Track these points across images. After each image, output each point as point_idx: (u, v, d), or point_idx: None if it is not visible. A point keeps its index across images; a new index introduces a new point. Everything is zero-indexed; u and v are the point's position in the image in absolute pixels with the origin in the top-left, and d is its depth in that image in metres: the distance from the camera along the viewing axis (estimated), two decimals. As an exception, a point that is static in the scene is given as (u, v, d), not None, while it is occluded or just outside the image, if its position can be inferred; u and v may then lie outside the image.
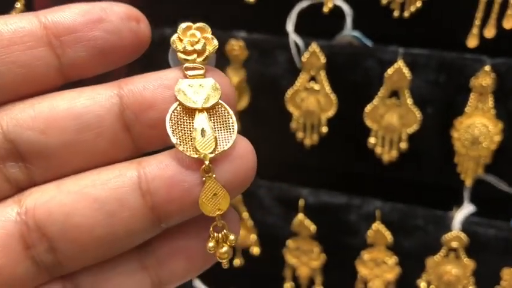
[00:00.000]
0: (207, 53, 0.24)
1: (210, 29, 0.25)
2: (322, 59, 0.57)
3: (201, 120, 0.23)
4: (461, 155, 0.57)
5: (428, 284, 0.62)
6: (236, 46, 0.60)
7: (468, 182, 0.58)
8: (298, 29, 0.59)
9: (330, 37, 0.59)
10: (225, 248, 0.24)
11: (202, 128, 0.23)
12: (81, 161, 0.23)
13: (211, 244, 0.24)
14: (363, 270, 0.64)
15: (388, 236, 0.61)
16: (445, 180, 0.60)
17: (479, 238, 0.58)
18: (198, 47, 0.24)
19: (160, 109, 0.23)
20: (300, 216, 0.64)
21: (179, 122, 0.23)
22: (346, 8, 0.57)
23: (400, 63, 0.55)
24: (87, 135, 0.23)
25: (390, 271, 0.63)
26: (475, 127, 0.55)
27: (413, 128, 0.57)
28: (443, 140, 0.57)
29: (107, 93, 0.23)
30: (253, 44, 0.60)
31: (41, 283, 0.24)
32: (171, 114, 0.23)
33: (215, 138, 0.23)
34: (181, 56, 0.24)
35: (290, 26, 0.58)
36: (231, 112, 0.24)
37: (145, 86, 0.23)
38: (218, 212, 0.23)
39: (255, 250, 0.68)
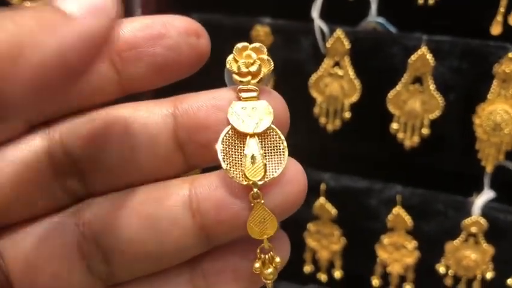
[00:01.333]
0: (261, 75, 0.24)
1: (265, 50, 0.25)
2: (347, 45, 0.58)
3: (252, 146, 0.23)
4: (483, 142, 0.57)
5: (447, 268, 0.62)
6: (261, 32, 0.61)
7: (489, 168, 0.58)
8: (323, 15, 0.59)
9: (355, 23, 0.60)
10: (270, 270, 0.24)
11: (253, 155, 0.23)
12: (136, 176, 0.24)
13: (257, 265, 0.24)
14: (382, 254, 0.65)
15: (408, 220, 0.62)
16: (466, 166, 0.60)
17: (499, 224, 0.59)
18: (253, 68, 0.24)
19: (213, 130, 0.23)
20: (321, 199, 0.65)
21: (230, 146, 0.23)
22: (371, -5, 0.58)
23: (423, 50, 0.56)
24: (143, 153, 0.23)
25: (409, 255, 0.64)
26: (497, 114, 0.55)
27: (435, 114, 0.58)
28: (465, 126, 0.58)
29: (162, 111, 0.24)
30: (278, 30, 0.61)
31: None
32: (223, 138, 0.23)
33: (264, 165, 0.23)
34: (236, 77, 0.24)
35: (315, 12, 0.59)
36: (283, 137, 0.24)
37: (200, 106, 0.24)
38: (265, 236, 0.23)
39: (276, 233, 0.69)
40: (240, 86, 0.24)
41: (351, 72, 0.59)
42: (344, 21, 0.59)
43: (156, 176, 0.24)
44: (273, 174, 0.23)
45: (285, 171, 0.23)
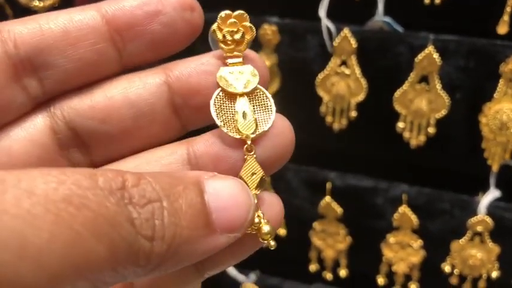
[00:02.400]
0: (245, 42, 0.26)
1: (248, 17, 0.26)
2: (354, 44, 0.59)
3: (242, 104, 0.25)
4: (489, 141, 0.58)
5: (453, 267, 0.63)
6: (269, 30, 0.62)
7: (495, 168, 0.58)
8: (330, 15, 0.60)
9: (362, 23, 0.60)
10: (267, 228, 0.24)
11: (244, 111, 0.25)
12: (137, 144, 0.25)
13: (257, 220, 0.24)
14: (388, 253, 0.65)
15: (414, 219, 0.62)
16: (472, 165, 0.61)
17: (505, 223, 0.59)
18: (237, 36, 0.25)
19: (205, 94, 0.25)
20: (327, 198, 0.65)
21: (222, 106, 0.25)
22: (378, -6, 0.58)
23: (430, 49, 0.56)
24: (142, 122, 0.25)
25: (415, 254, 0.64)
26: (504, 113, 0.56)
27: (441, 113, 0.58)
28: (471, 125, 0.58)
29: (155, 81, 0.25)
30: (285, 29, 0.62)
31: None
32: (215, 99, 0.25)
33: (255, 120, 0.24)
34: (222, 45, 0.25)
35: (322, 11, 0.60)
36: (269, 95, 0.25)
37: (190, 73, 0.25)
38: (255, 191, 0.24)
39: (282, 232, 0.69)
40: (227, 53, 0.25)
41: (358, 71, 0.60)
42: (351, 21, 0.60)
43: (155, 141, 0.26)
44: (263, 128, 0.24)
45: (274, 126, 0.25)
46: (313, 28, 0.60)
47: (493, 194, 0.60)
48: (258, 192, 0.24)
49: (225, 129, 0.24)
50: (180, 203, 0.20)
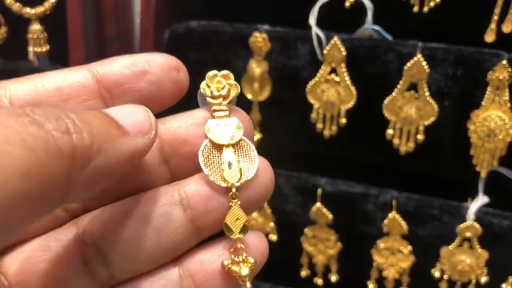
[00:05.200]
0: (231, 97, 0.28)
1: (232, 76, 0.28)
2: (343, 52, 0.59)
3: (228, 154, 0.27)
4: (477, 147, 0.58)
5: (442, 273, 0.63)
6: (260, 38, 0.62)
7: (483, 174, 0.59)
8: (320, 23, 0.60)
9: (351, 31, 0.61)
10: (246, 271, 0.26)
11: (229, 161, 0.27)
12: (129, 190, 0.27)
13: (226, 262, 0.26)
14: (378, 259, 0.66)
15: (404, 225, 0.63)
16: (460, 171, 0.61)
17: (493, 229, 0.60)
18: (223, 92, 0.28)
19: (193, 144, 0.27)
20: (318, 204, 0.65)
21: (210, 156, 0.27)
22: (368, 3, 0.59)
23: (419, 57, 0.57)
24: (134, 171, 0.26)
25: (405, 260, 0.64)
26: (492, 120, 0.56)
27: (430, 120, 0.59)
28: (459, 132, 0.59)
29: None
30: (276, 37, 0.62)
31: None
32: (203, 150, 0.27)
33: (240, 169, 0.27)
34: (210, 100, 0.28)
35: (312, 19, 0.60)
36: (253, 146, 0.27)
37: (180, 125, 0.27)
38: (238, 236, 0.26)
39: (273, 237, 0.70)
40: (214, 107, 0.27)
41: (347, 79, 0.60)
42: (341, 29, 0.60)
43: (145, 188, 0.27)
44: (247, 177, 0.27)
45: (257, 174, 0.27)
46: (303, 36, 0.61)
47: (481, 200, 0.60)
48: (242, 236, 0.26)
49: (212, 178, 0.26)
50: (86, 115, 0.21)
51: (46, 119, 0.19)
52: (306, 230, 0.68)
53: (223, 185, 0.26)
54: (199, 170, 0.26)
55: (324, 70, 0.61)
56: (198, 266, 0.27)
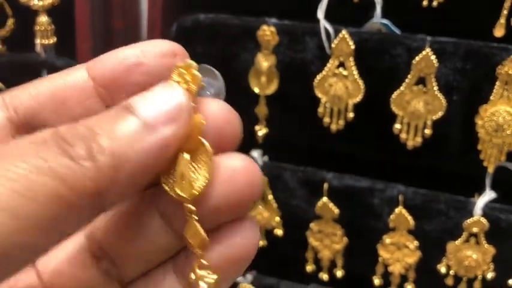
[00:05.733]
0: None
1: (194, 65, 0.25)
2: (352, 45, 0.59)
3: (182, 164, 0.24)
4: (485, 142, 0.58)
5: (448, 268, 0.63)
6: (268, 31, 0.62)
7: (490, 169, 0.59)
8: (328, 16, 0.60)
9: (360, 25, 0.61)
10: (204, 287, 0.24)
11: (182, 173, 0.24)
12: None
13: (193, 277, 0.25)
14: (384, 254, 0.65)
15: (410, 220, 0.63)
16: (468, 166, 0.61)
17: (500, 224, 0.60)
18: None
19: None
20: (324, 199, 0.65)
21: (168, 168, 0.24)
22: (376, -4, 0.59)
23: (427, 51, 0.57)
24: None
25: (411, 255, 0.64)
26: (500, 115, 0.56)
27: (438, 115, 0.59)
28: (467, 127, 0.59)
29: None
30: (284, 30, 0.62)
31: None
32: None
33: (192, 180, 0.24)
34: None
35: (321, 13, 0.60)
36: (209, 150, 0.24)
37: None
38: (198, 250, 0.24)
39: (279, 232, 0.70)
40: None
41: (355, 73, 0.60)
42: (349, 22, 0.60)
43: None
44: (200, 188, 0.24)
45: (216, 183, 0.24)
46: (311, 29, 0.61)
47: (488, 195, 0.60)
48: (201, 251, 0.24)
49: (169, 193, 0.24)
50: (107, 125, 0.22)
51: (72, 145, 0.20)
52: (312, 225, 0.67)
53: (177, 198, 0.24)
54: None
55: (331, 64, 0.61)
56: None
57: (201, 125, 0.24)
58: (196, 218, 0.24)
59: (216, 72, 0.26)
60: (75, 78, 0.25)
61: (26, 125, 0.25)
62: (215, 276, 0.24)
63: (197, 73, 0.24)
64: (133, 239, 0.26)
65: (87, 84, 0.25)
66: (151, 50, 0.25)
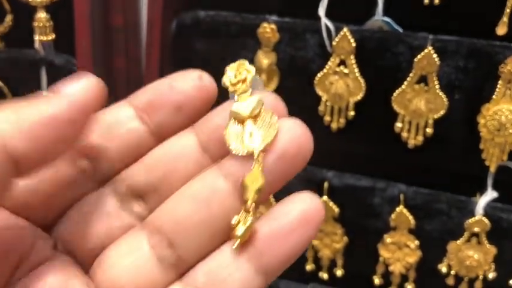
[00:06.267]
0: (248, 79, 0.30)
1: (247, 62, 0.31)
2: (353, 43, 0.59)
3: (249, 125, 0.29)
4: (487, 141, 0.58)
5: (449, 268, 0.63)
6: (268, 29, 0.61)
7: (492, 168, 0.58)
8: (329, 14, 0.60)
9: (361, 22, 0.60)
10: (241, 232, 0.28)
11: (251, 131, 0.28)
12: (180, 183, 0.29)
13: (233, 221, 0.28)
14: (384, 254, 0.65)
15: (411, 219, 0.62)
16: (469, 166, 0.61)
17: (502, 224, 0.59)
18: (241, 76, 0.30)
19: (223, 127, 0.29)
20: (324, 198, 0.65)
21: (234, 132, 0.29)
22: (378, -6, 0.58)
23: (429, 49, 0.56)
24: (181, 165, 0.29)
25: (412, 255, 0.64)
26: (502, 114, 0.56)
27: (440, 114, 0.58)
28: (469, 126, 0.58)
29: (184, 132, 0.30)
30: (284, 28, 0.62)
31: (173, 278, 0.29)
32: (228, 128, 0.29)
33: (261, 136, 0.28)
34: (231, 88, 0.30)
35: (322, 10, 0.60)
36: (274, 115, 0.29)
37: (211, 116, 0.30)
38: (251, 199, 0.28)
39: (279, 231, 0.69)
40: (236, 93, 0.30)
41: (357, 71, 0.60)
42: (350, 20, 0.60)
43: (191, 177, 0.30)
44: (267, 142, 0.28)
45: (280, 137, 0.28)
46: (312, 27, 0.60)
47: (490, 195, 0.60)
48: (256, 198, 0.28)
49: (234, 151, 0.28)
50: None
51: None
52: (312, 224, 0.67)
53: (244, 153, 0.28)
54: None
55: (332, 62, 0.60)
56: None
57: (261, 100, 0.29)
58: (261, 164, 0.27)
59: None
60: (119, 109, 0.30)
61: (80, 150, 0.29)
62: (251, 219, 0.28)
63: (250, 66, 0.30)
64: (201, 207, 0.28)
65: (129, 112, 0.30)
66: (179, 78, 0.30)
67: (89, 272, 0.30)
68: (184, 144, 0.30)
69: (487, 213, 0.59)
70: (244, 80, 0.30)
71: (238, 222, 0.28)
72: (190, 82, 0.29)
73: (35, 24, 0.69)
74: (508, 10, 0.54)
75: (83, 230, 0.30)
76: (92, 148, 0.29)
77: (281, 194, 0.66)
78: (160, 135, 0.30)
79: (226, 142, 0.29)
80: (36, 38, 0.69)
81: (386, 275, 0.66)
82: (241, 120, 0.29)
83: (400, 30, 0.59)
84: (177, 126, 0.30)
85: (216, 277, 0.29)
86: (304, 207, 0.28)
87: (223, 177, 0.28)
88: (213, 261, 0.29)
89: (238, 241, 0.28)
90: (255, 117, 0.29)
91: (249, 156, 0.28)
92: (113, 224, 0.30)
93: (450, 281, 0.63)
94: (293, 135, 0.28)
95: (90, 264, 0.30)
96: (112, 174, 0.30)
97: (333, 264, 0.69)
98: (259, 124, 0.29)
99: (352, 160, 0.66)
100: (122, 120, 0.29)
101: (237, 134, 0.29)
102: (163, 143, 0.30)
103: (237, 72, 0.30)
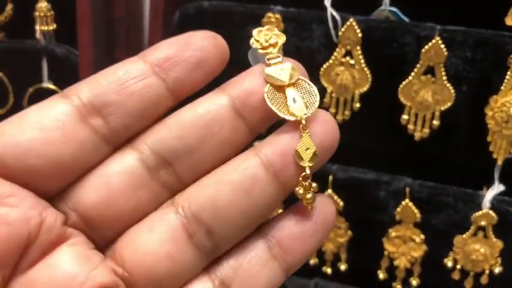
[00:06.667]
0: (279, 44, 0.31)
1: (276, 28, 0.31)
2: (359, 34, 0.58)
3: (291, 92, 0.29)
4: (495, 134, 0.57)
5: (455, 262, 0.62)
6: (273, 19, 0.61)
7: (500, 161, 0.58)
8: (335, 4, 0.59)
9: (368, 12, 0.60)
10: (310, 195, 0.29)
11: (293, 97, 0.29)
12: (214, 152, 0.29)
13: (300, 191, 0.29)
14: (389, 248, 0.64)
15: (417, 213, 0.61)
16: (476, 158, 0.60)
17: (509, 217, 0.59)
18: (272, 41, 0.30)
19: (258, 92, 0.29)
20: (329, 191, 0.64)
21: (274, 97, 0.29)
22: (385, -16, 0.58)
23: (437, 40, 0.55)
24: (214, 129, 0.29)
25: (417, 249, 0.63)
26: (511, 105, 0.55)
27: (447, 105, 0.58)
28: (476, 118, 0.57)
29: (215, 95, 0.30)
30: (289, 18, 0.61)
31: (204, 266, 0.29)
32: (267, 93, 0.29)
33: (305, 103, 0.29)
34: (261, 51, 0.30)
35: (327, 0, 0.59)
36: (311, 83, 0.30)
37: (243, 80, 0.29)
38: (308, 163, 0.28)
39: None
40: (267, 56, 0.30)
41: (363, 62, 0.59)
42: (357, 10, 0.59)
43: (230, 147, 0.29)
44: (313, 109, 0.29)
45: (320, 113, 0.29)
46: (318, 17, 0.60)
47: (497, 188, 0.59)
48: (311, 164, 0.28)
49: (281, 114, 0.28)
50: None
51: None
52: (316, 218, 0.66)
53: (292, 118, 0.28)
54: (270, 115, 0.29)
55: (338, 52, 0.60)
56: (281, 232, 0.30)
57: (295, 68, 0.30)
58: (309, 134, 0.28)
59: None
60: (133, 63, 0.29)
61: (88, 106, 0.28)
62: (315, 184, 0.29)
63: (280, 32, 0.31)
64: (242, 197, 0.28)
65: (143, 67, 0.28)
66: (196, 35, 0.29)
67: (111, 249, 0.29)
68: (217, 108, 0.29)
69: (493, 207, 0.59)
70: (275, 45, 0.30)
71: (305, 189, 0.28)
72: (206, 40, 0.29)
73: (36, 14, 0.68)
74: (517, 0, 0.54)
75: (106, 202, 0.28)
76: (105, 104, 0.28)
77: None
78: (179, 93, 0.29)
79: (270, 106, 0.28)
80: (37, 27, 0.68)
81: (391, 270, 0.65)
82: (279, 87, 0.29)
83: (407, 20, 0.59)
84: (195, 84, 0.29)
85: (244, 273, 0.29)
86: (325, 210, 0.30)
87: (263, 166, 0.28)
88: (243, 257, 0.29)
89: (311, 205, 0.29)
90: (293, 84, 0.29)
91: (294, 124, 0.28)
92: (141, 195, 0.29)
93: (456, 276, 0.62)
94: (329, 118, 0.29)
95: (113, 240, 0.29)
96: (130, 135, 0.29)
97: (336, 258, 0.68)
98: (300, 91, 0.29)
99: (357, 153, 0.65)
100: (137, 75, 0.28)
101: (278, 100, 0.29)
102: (192, 104, 0.29)
103: (266, 36, 0.30)
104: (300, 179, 0.29)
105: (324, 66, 0.60)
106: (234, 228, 0.29)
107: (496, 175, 0.59)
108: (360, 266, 0.68)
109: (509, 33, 0.54)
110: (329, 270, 0.68)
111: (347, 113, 0.62)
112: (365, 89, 0.60)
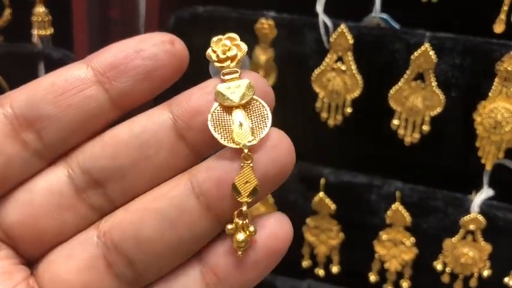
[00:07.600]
0: (238, 57, 0.26)
1: (238, 37, 0.27)
2: (350, 40, 0.59)
3: (238, 115, 0.25)
4: (483, 139, 0.58)
5: (445, 265, 0.63)
6: (266, 25, 0.61)
7: (488, 166, 0.58)
8: (327, 10, 0.60)
9: (359, 19, 0.60)
10: (242, 237, 0.25)
11: (240, 122, 0.25)
12: (149, 175, 0.26)
13: (229, 226, 0.25)
14: (380, 250, 0.65)
15: (407, 216, 0.62)
16: (466, 163, 0.61)
17: (497, 222, 0.59)
18: (230, 53, 0.26)
19: (206, 112, 0.26)
20: (321, 194, 0.65)
21: (220, 120, 0.25)
22: (376, -9, 0.58)
23: (426, 46, 0.56)
24: (149, 151, 0.26)
25: (408, 252, 0.64)
26: (498, 111, 0.56)
27: (436, 111, 0.58)
28: (465, 123, 0.58)
29: (158, 111, 0.26)
30: (282, 24, 0.62)
31: None
32: (212, 114, 0.25)
33: (251, 129, 0.25)
34: (217, 64, 0.26)
35: (319, 6, 0.59)
36: (265, 105, 0.26)
37: (190, 95, 0.26)
38: (246, 199, 0.25)
39: (275, 227, 0.69)
40: (223, 71, 0.26)
41: (354, 68, 0.60)
42: (348, 17, 0.60)
43: (167, 171, 0.26)
44: (259, 136, 0.25)
45: (270, 138, 0.25)
46: (310, 23, 0.60)
47: (486, 192, 0.60)
48: (250, 200, 0.25)
49: (222, 140, 0.25)
50: None
51: None
52: (308, 220, 0.67)
53: (234, 146, 0.25)
54: (219, 144, 0.25)
55: (330, 58, 0.60)
56: (217, 259, 0.26)
57: (252, 86, 0.26)
58: (251, 165, 0.24)
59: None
60: (74, 70, 0.26)
61: (21, 118, 0.25)
62: (253, 228, 0.25)
63: (242, 43, 0.27)
64: (167, 229, 0.26)
65: (86, 75, 0.26)
66: (150, 39, 0.26)
67: (38, 267, 0.27)
68: (157, 127, 0.26)
69: (482, 211, 0.59)
70: (233, 58, 0.26)
71: (236, 229, 0.25)
72: (160, 46, 0.26)
73: (34, 18, 0.69)
74: (505, 8, 0.54)
75: (28, 222, 0.26)
76: (39, 117, 0.25)
77: (277, 188, 0.66)
78: (124, 104, 0.26)
79: (211, 131, 0.25)
80: (35, 32, 0.69)
81: (382, 272, 0.66)
82: (228, 108, 0.25)
83: (398, 27, 0.59)
84: (142, 96, 0.26)
85: None
86: (274, 237, 0.27)
87: (194, 195, 0.25)
88: (176, 284, 0.27)
89: (241, 250, 0.25)
90: (244, 105, 0.26)
91: (236, 152, 0.25)
92: (66, 217, 0.26)
93: (445, 279, 0.63)
94: (283, 140, 0.26)
95: (36, 259, 0.27)
96: (67, 149, 0.27)
97: (329, 260, 0.69)
98: (250, 114, 0.25)
99: (348, 157, 0.66)
100: (78, 85, 0.25)
101: (223, 123, 0.25)
102: (132, 120, 0.26)
103: (225, 47, 0.26)
104: (235, 215, 0.25)
105: (316, 72, 0.61)
106: (158, 260, 0.26)
107: (485, 180, 0.60)
108: (351, 268, 0.68)
109: (497, 40, 0.55)
110: (321, 272, 0.69)
111: (339, 117, 0.62)
112: (356, 94, 0.61)
